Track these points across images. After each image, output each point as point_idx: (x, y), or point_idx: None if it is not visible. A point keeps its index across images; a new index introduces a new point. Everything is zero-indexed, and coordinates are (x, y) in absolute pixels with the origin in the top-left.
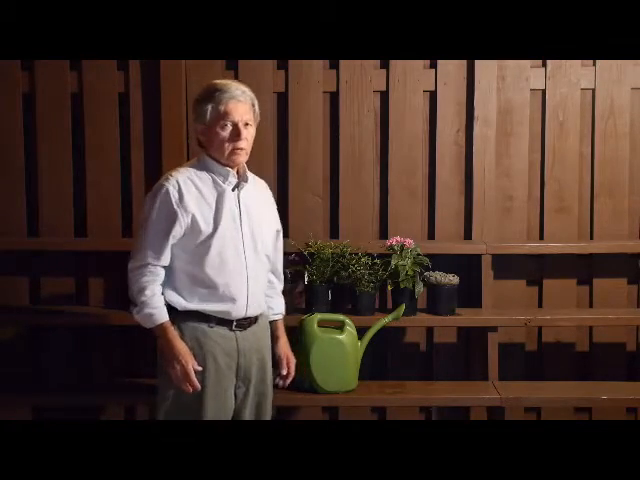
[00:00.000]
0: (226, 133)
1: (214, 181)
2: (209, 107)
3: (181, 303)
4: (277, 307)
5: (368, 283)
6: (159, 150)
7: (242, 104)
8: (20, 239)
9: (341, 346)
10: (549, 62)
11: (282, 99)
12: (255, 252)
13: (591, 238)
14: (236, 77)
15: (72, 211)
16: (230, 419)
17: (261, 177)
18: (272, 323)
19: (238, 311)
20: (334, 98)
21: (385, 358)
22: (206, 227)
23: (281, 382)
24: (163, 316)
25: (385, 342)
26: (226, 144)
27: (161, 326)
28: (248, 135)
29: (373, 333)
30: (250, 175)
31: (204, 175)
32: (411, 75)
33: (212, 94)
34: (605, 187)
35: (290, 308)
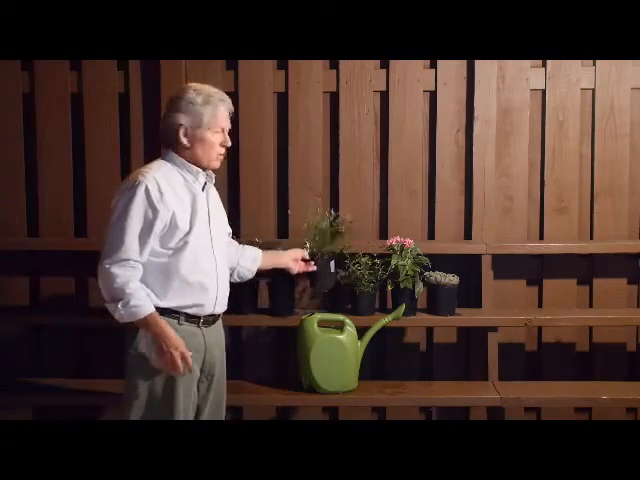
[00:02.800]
0: (216, 139)
1: (185, 180)
2: (207, 110)
3: (153, 300)
4: (254, 251)
5: (368, 283)
6: (159, 150)
7: (229, 112)
8: (20, 239)
9: (341, 346)
10: (549, 62)
11: (282, 99)
12: (220, 252)
13: (591, 238)
14: (236, 77)
15: (72, 211)
16: (193, 415)
17: (261, 177)
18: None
19: (208, 308)
20: (334, 98)
21: (385, 358)
22: (183, 226)
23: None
24: (150, 307)
25: (385, 342)
26: (215, 149)
27: (150, 317)
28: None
29: (373, 333)
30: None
31: (175, 174)
32: (411, 75)
33: (209, 98)
34: (605, 187)
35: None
